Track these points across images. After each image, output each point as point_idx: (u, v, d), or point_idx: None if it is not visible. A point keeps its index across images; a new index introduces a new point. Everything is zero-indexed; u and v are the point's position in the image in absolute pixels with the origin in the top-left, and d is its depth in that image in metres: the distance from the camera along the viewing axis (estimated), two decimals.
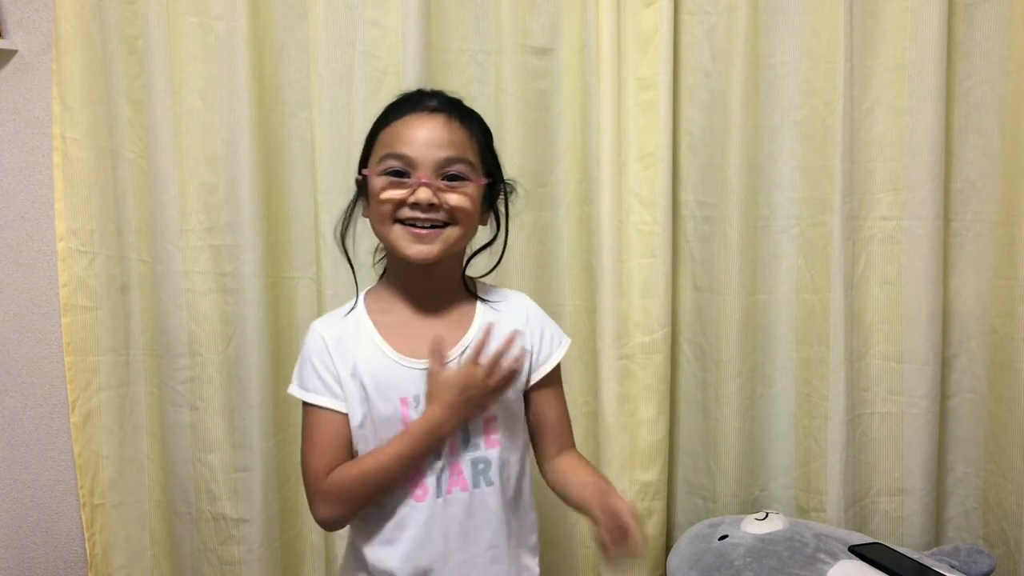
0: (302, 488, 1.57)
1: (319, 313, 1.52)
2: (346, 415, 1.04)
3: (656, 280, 1.56)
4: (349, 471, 1.03)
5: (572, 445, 1.17)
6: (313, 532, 1.62)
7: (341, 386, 1.04)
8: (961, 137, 1.57)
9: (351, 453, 1.05)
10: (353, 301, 1.11)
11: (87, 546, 1.54)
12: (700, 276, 1.61)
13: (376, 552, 1.05)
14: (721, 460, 1.60)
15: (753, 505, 1.61)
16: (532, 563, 1.12)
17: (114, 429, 1.54)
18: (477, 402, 1.02)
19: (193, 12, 1.45)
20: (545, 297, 1.57)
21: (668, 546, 1.63)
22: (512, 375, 1.04)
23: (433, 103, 1.06)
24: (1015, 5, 1.51)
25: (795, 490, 1.62)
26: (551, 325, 1.15)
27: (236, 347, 1.49)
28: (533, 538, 1.14)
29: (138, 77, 1.47)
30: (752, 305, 1.59)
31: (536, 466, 1.15)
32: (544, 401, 1.13)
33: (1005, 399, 1.55)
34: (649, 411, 1.58)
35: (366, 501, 1.03)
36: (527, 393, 1.12)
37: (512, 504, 1.08)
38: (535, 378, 1.11)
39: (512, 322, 1.09)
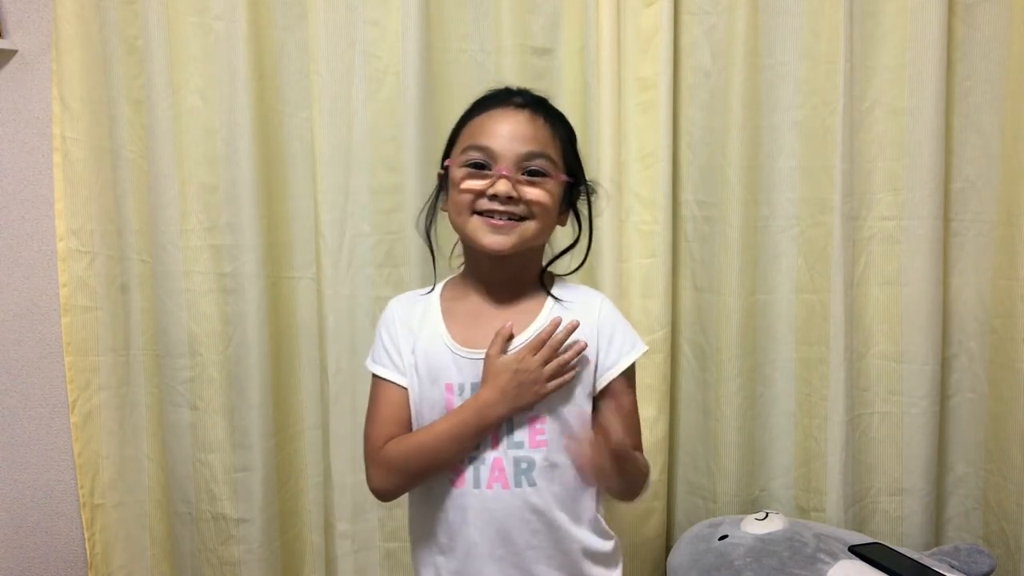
0: (302, 488, 1.62)
1: (319, 313, 1.52)
2: (406, 389, 1.07)
3: (656, 280, 1.56)
4: (402, 443, 1.06)
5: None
6: (313, 532, 1.62)
7: (404, 361, 1.07)
8: (961, 137, 1.57)
9: (410, 427, 1.07)
10: (433, 284, 1.14)
11: (87, 546, 1.54)
12: (700, 276, 1.61)
13: (424, 533, 1.08)
14: (721, 460, 1.60)
15: (753, 505, 1.61)
16: (603, 573, 1.10)
17: (114, 429, 1.54)
18: (529, 388, 1.02)
19: (193, 12, 1.45)
20: None
21: (668, 546, 1.63)
22: (567, 365, 1.04)
23: (518, 99, 1.08)
24: (1015, 5, 1.50)
25: (795, 490, 1.62)
26: (624, 329, 1.12)
27: (236, 347, 1.49)
28: (606, 547, 1.10)
29: (138, 77, 1.47)
30: (752, 305, 1.59)
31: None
32: (610, 409, 1.10)
33: (1005, 399, 1.55)
34: (649, 411, 1.58)
35: (416, 475, 1.05)
36: (595, 399, 1.10)
37: (571, 511, 1.06)
38: (601, 383, 1.09)
39: (582, 319, 1.07)
